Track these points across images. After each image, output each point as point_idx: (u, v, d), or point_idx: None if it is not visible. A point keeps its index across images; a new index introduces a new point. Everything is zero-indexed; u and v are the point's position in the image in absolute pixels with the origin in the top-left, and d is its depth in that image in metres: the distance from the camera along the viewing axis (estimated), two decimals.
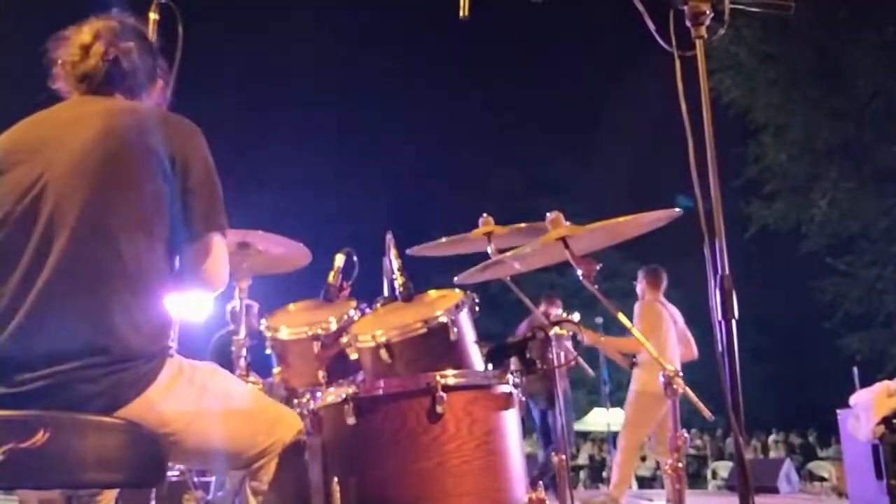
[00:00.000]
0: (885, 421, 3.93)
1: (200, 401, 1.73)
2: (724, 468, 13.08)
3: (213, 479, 2.57)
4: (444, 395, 1.86)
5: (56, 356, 1.57)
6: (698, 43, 1.98)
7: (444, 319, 2.11)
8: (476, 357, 2.21)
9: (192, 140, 1.80)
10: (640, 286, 5.69)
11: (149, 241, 1.70)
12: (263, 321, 2.66)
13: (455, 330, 2.11)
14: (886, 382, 4.08)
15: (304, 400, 2.18)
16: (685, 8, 1.99)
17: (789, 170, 15.73)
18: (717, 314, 1.79)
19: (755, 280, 15.78)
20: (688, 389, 2.05)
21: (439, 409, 1.85)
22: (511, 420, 1.98)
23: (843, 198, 15.45)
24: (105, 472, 1.55)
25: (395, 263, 2.50)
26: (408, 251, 2.75)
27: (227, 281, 1.85)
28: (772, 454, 15.73)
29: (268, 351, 2.61)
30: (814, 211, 15.71)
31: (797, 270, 16.96)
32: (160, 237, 1.73)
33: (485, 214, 2.71)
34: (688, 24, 1.99)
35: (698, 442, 17.27)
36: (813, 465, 12.78)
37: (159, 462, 1.64)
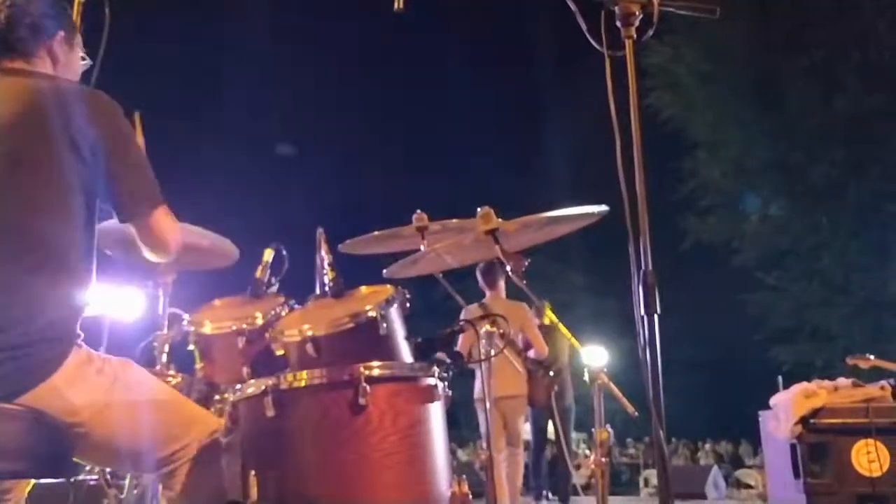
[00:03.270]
0: (803, 421, 4.07)
1: (111, 392, 1.65)
2: (655, 476, 13.24)
3: (126, 480, 2.48)
4: (368, 386, 1.83)
5: None
6: (628, 43, 2.01)
7: (373, 314, 2.08)
8: (406, 353, 2.18)
9: (113, 118, 1.75)
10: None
11: (64, 223, 1.65)
12: (186, 316, 2.59)
13: (384, 325, 2.08)
14: (805, 384, 4.23)
15: (226, 395, 2.12)
16: (616, 8, 2.02)
17: (723, 186, 16.22)
18: (640, 309, 1.82)
19: (688, 293, 16.17)
20: (612, 385, 2.07)
21: (362, 400, 1.81)
22: (436, 413, 1.95)
23: (774, 214, 16.01)
24: (4, 462, 1.47)
25: (326, 259, 2.46)
26: (340, 247, 2.70)
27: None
28: (701, 462, 16.09)
29: (190, 347, 2.53)
30: (745, 226, 16.23)
31: (729, 284, 17.45)
32: (78, 220, 1.67)
33: (418, 211, 2.69)
34: (618, 24, 2.02)
35: (632, 451, 17.56)
36: (740, 473, 13.14)
37: (65, 452, 1.56)
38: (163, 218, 1.80)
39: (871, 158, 14.44)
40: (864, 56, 13.96)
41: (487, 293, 5.31)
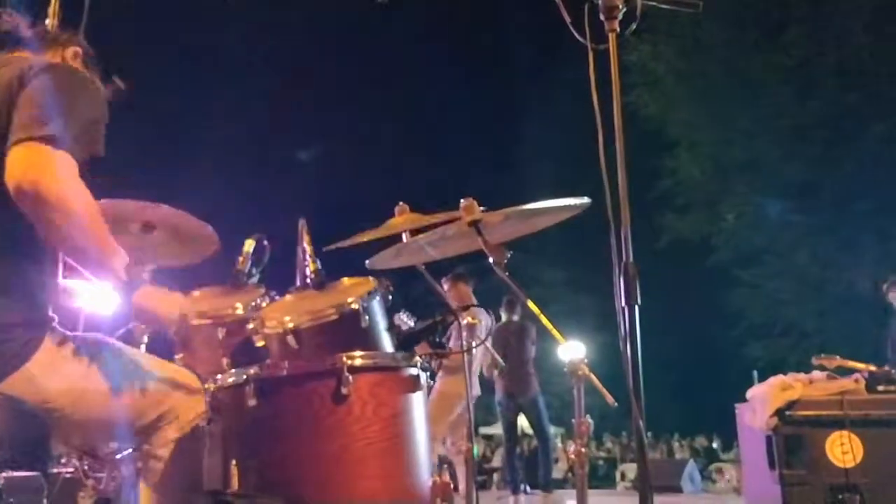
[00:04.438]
0: (779, 413, 4.16)
1: (87, 377, 1.63)
2: (631, 470, 13.46)
3: (104, 473, 2.46)
4: (350, 376, 1.83)
5: None
6: (611, 36, 2.02)
7: (355, 306, 2.07)
8: (388, 345, 2.18)
9: (60, 77, 1.60)
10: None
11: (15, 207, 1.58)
12: None
13: (367, 317, 2.08)
14: (781, 376, 4.32)
15: (206, 386, 2.10)
16: (599, 1, 2.03)
17: (701, 184, 16.37)
18: (621, 300, 1.83)
19: (666, 290, 16.34)
20: (592, 376, 2.08)
21: (344, 390, 1.81)
22: (418, 403, 1.95)
23: (750, 212, 16.20)
24: None
25: (308, 250, 2.45)
26: (324, 249, 2.66)
27: (44, 186, 1.45)
28: (677, 456, 16.27)
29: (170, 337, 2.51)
30: (722, 224, 16.42)
31: (706, 281, 17.64)
32: None
33: (401, 203, 2.67)
34: (601, 17, 2.03)
35: (609, 445, 17.72)
36: (715, 467, 13.30)
37: (42, 440, 1.54)
38: (39, 152, 1.44)
39: (845, 157, 14.65)
40: (841, 56, 14.14)
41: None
